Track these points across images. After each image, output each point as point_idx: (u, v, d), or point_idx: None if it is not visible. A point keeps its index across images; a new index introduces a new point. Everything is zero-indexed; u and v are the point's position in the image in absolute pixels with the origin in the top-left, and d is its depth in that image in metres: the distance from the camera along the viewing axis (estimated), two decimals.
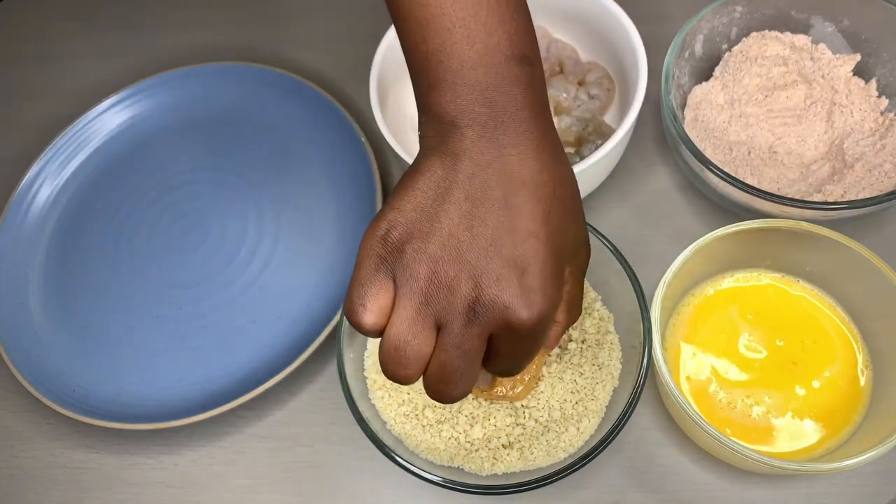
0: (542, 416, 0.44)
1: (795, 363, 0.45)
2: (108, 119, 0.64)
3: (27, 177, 0.61)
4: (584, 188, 0.53)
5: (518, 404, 0.45)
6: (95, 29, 0.73)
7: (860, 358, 0.46)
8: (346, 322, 0.44)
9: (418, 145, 0.35)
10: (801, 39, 0.57)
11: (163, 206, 0.60)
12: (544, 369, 0.45)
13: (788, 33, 0.57)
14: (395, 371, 0.32)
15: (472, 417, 0.44)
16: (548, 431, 0.44)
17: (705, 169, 0.49)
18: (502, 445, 0.44)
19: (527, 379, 0.44)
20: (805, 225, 0.45)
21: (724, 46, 0.58)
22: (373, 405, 0.45)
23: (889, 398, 0.43)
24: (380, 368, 0.41)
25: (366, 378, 0.47)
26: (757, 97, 0.55)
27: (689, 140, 0.50)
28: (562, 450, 0.44)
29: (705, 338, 0.47)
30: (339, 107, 0.60)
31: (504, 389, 0.44)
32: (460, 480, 0.41)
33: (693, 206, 0.56)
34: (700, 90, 0.56)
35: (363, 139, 0.58)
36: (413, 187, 0.33)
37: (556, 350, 0.46)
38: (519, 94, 0.33)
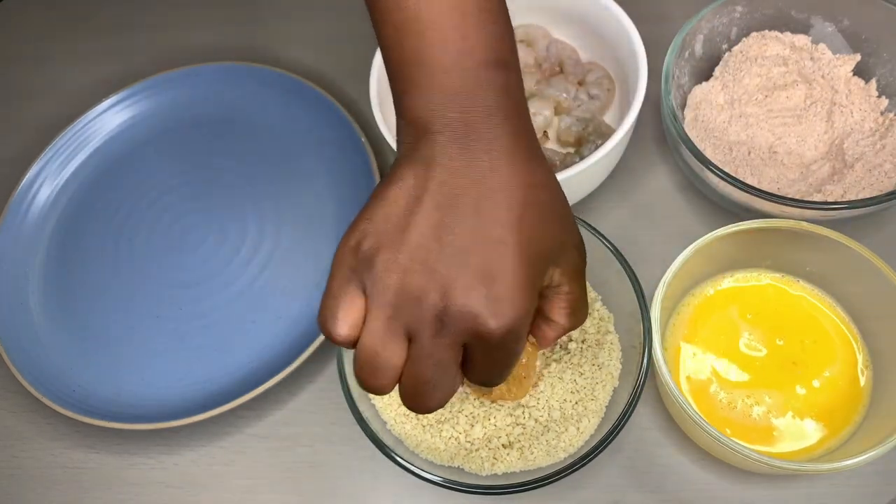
0: (542, 416, 0.44)
1: (795, 363, 0.45)
2: (108, 119, 0.64)
3: (27, 177, 0.61)
4: (584, 188, 0.53)
5: (517, 404, 0.45)
6: (95, 29, 0.73)
7: (860, 358, 0.46)
8: None
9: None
10: (801, 39, 0.57)
11: (163, 206, 0.60)
12: (545, 370, 0.45)
13: (788, 33, 0.57)
14: (368, 382, 0.32)
15: (473, 417, 0.44)
16: (548, 431, 0.44)
17: (705, 169, 0.49)
18: (502, 445, 0.44)
19: (523, 377, 0.44)
20: (805, 225, 0.45)
21: (724, 46, 0.58)
22: (373, 405, 0.45)
23: (889, 398, 0.43)
24: None
25: None
26: (757, 97, 0.55)
27: (689, 140, 0.50)
28: (562, 450, 0.44)
29: (705, 338, 0.47)
30: (339, 107, 0.60)
31: (502, 390, 0.44)
32: (460, 480, 0.41)
33: (693, 206, 0.56)
34: (700, 90, 0.56)
35: (363, 139, 0.58)
36: (385, 196, 0.33)
37: (557, 350, 0.46)
38: (492, 99, 0.33)
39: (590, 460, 0.40)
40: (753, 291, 0.48)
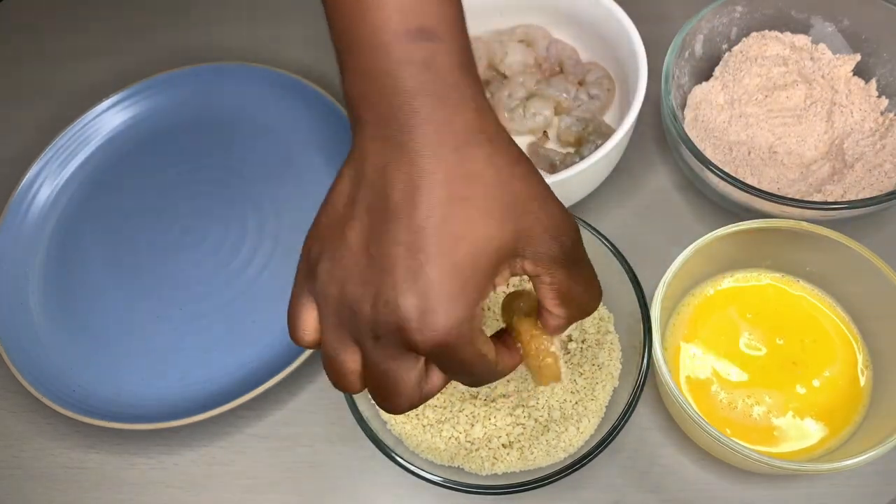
0: (541, 416, 0.44)
1: (795, 363, 0.45)
2: (108, 119, 0.64)
3: (27, 177, 0.61)
4: (584, 188, 0.53)
5: (517, 403, 0.45)
6: (95, 29, 0.73)
7: (860, 358, 0.46)
8: None
9: None
10: (801, 39, 0.57)
11: (163, 206, 0.60)
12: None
13: (788, 33, 0.57)
14: (335, 383, 0.33)
15: (473, 417, 0.44)
16: (547, 431, 0.44)
17: (705, 169, 0.49)
18: (502, 445, 0.44)
19: (541, 365, 0.42)
20: (805, 225, 0.45)
21: (724, 46, 0.58)
22: (373, 405, 0.45)
23: (889, 398, 0.43)
24: None
25: None
26: (757, 97, 0.55)
27: (689, 140, 0.50)
28: (562, 450, 0.44)
29: (705, 338, 0.47)
30: (339, 107, 0.60)
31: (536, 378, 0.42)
32: (460, 480, 0.41)
33: (693, 206, 0.56)
34: (700, 90, 0.56)
35: None
36: (328, 199, 0.32)
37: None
38: (410, 77, 0.29)
39: (590, 460, 0.40)
40: (753, 291, 0.48)
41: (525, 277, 0.39)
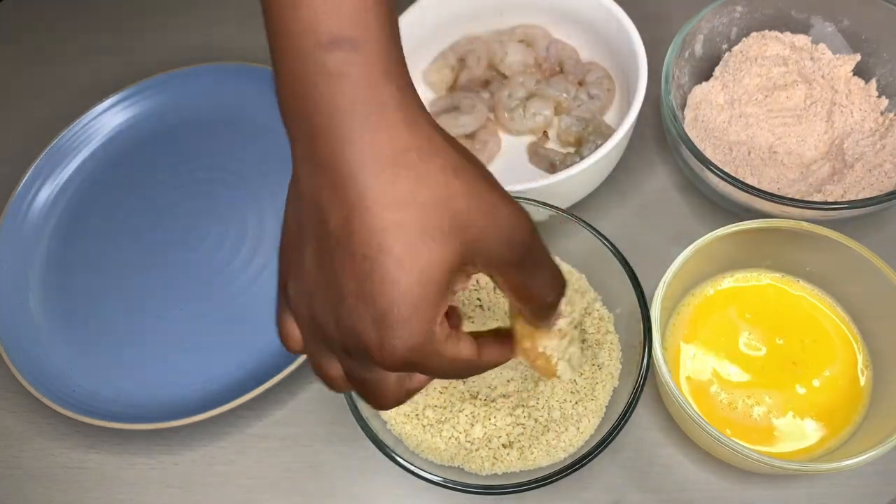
0: (541, 416, 0.44)
1: (795, 363, 0.45)
2: (108, 119, 0.64)
3: (27, 177, 0.61)
4: (584, 188, 0.53)
5: (517, 403, 0.45)
6: (95, 29, 0.73)
7: (860, 358, 0.46)
8: None
9: None
10: (801, 39, 0.57)
11: (163, 206, 0.60)
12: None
13: (788, 33, 0.57)
14: (324, 383, 0.33)
15: (473, 417, 0.44)
16: (547, 431, 0.44)
17: (705, 169, 0.49)
18: (502, 445, 0.44)
19: (535, 361, 0.42)
20: (805, 225, 0.45)
21: (724, 46, 0.58)
22: None
23: (889, 398, 0.43)
24: None
25: None
26: (757, 97, 0.55)
27: (689, 140, 0.50)
28: (561, 450, 0.44)
29: (705, 338, 0.47)
30: None
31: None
32: (460, 480, 0.41)
33: (693, 206, 0.56)
34: (700, 90, 0.56)
35: None
36: (285, 218, 0.32)
37: None
38: (326, 91, 0.28)
39: (590, 460, 0.40)
40: (753, 291, 0.48)
41: None
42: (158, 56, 0.69)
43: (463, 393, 0.45)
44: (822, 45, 0.57)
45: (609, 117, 0.59)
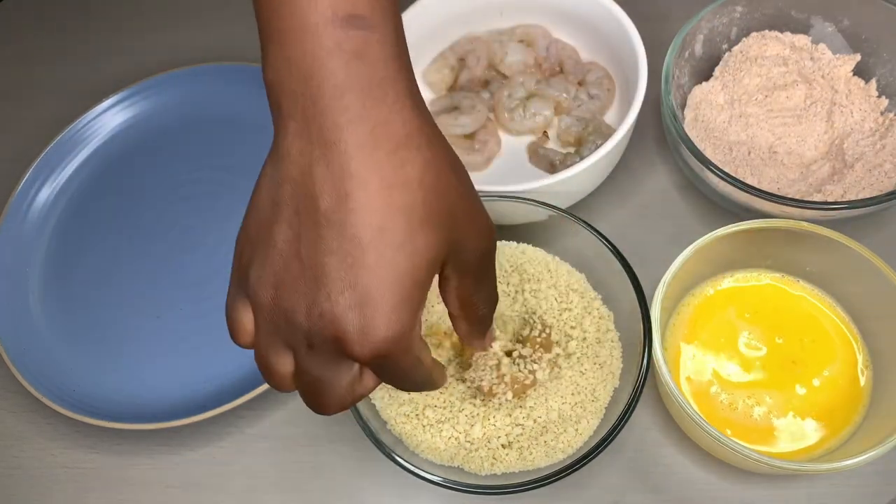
0: (541, 417, 0.44)
1: (795, 362, 0.45)
2: (108, 119, 0.64)
3: (27, 177, 0.61)
4: (584, 188, 0.53)
5: (516, 404, 0.45)
6: (95, 29, 0.73)
7: (860, 358, 0.46)
8: None
9: None
10: (801, 39, 0.57)
11: (163, 206, 0.60)
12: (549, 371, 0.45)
13: (788, 33, 0.57)
14: (269, 383, 0.32)
15: (472, 417, 0.44)
16: (546, 432, 0.44)
17: (705, 169, 0.49)
18: (501, 445, 0.44)
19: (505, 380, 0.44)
20: (805, 225, 0.45)
21: (724, 46, 0.58)
22: (373, 405, 0.45)
23: (889, 398, 0.43)
24: None
25: None
26: (757, 97, 0.55)
27: (689, 140, 0.50)
28: (560, 451, 0.44)
29: (705, 338, 0.47)
30: None
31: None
32: (460, 480, 0.41)
33: (693, 206, 0.56)
34: (700, 90, 0.56)
35: None
36: (255, 199, 0.30)
37: (558, 351, 0.46)
38: (339, 68, 0.27)
39: (589, 461, 0.40)
40: (753, 291, 0.48)
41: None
42: (158, 56, 0.69)
43: (463, 393, 0.45)
44: (822, 45, 0.57)
45: (609, 117, 0.59)
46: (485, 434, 0.44)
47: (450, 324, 0.47)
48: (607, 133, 0.55)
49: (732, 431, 0.44)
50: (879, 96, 0.55)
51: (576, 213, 0.48)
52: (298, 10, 0.27)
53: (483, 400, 0.45)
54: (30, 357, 0.53)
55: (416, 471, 0.41)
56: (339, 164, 0.27)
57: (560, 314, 0.47)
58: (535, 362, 0.45)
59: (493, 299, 0.34)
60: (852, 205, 0.47)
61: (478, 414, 0.44)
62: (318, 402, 0.31)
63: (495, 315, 0.46)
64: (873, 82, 0.55)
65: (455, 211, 0.29)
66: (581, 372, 0.45)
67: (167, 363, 0.53)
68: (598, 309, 0.48)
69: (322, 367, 0.29)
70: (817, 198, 0.51)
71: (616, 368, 0.46)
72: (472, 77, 0.60)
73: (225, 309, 0.32)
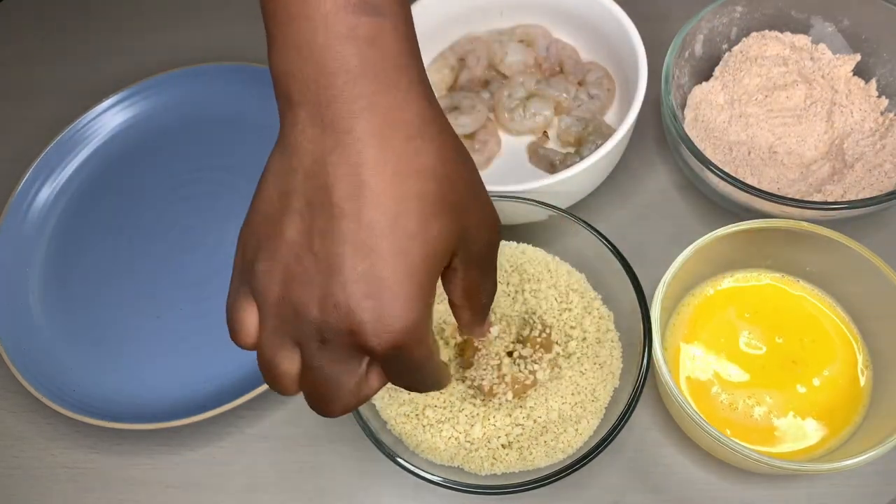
0: (541, 417, 0.44)
1: (795, 361, 0.45)
2: (108, 119, 0.64)
3: (27, 177, 0.61)
4: (584, 188, 0.53)
5: (516, 404, 0.45)
6: (95, 29, 0.73)
7: (860, 358, 0.46)
8: None
9: None
10: (801, 39, 0.57)
11: (163, 206, 0.60)
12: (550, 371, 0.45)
13: (788, 33, 0.57)
14: (271, 386, 0.31)
15: (472, 417, 0.44)
16: (546, 432, 0.44)
17: (705, 169, 0.49)
18: (501, 445, 0.44)
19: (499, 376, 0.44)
20: (805, 225, 0.45)
21: (724, 46, 0.58)
22: (373, 405, 0.45)
23: (889, 398, 0.43)
24: None
25: None
26: (757, 97, 0.55)
27: (689, 140, 0.50)
28: (560, 451, 0.44)
29: (706, 338, 0.47)
30: None
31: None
32: (460, 480, 0.41)
33: (693, 206, 0.56)
34: (700, 90, 0.56)
35: None
36: (259, 193, 0.30)
37: (559, 351, 0.46)
38: (353, 54, 0.27)
39: (589, 461, 0.40)
40: (753, 291, 0.48)
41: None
42: (158, 56, 0.69)
43: (463, 393, 0.45)
44: (822, 45, 0.57)
45: (609, 117, 0.59)
46: (485, 434, 0.44)
47: (451, 323, 0.47)
48: (607, 133, 0.55)
49: (732, 431, 0.44)
50: (879, 96, 0.55)
51: (576, 213, 0.48)
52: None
53: (483, 400, 0.45)
54: (30, 357, 0.53)
55: (416, 471, 0.41)
56: (355, 152, 0.27)
57: (560, 314, 0.47)
58: (536, 362, 0.45)
59: (494, 290, 0.35)
60: (852, 205, 0.47)
61: (478, 414, 0.44)
62: (325, 401, 0.30)
63: (499, 315, 0.47)
64: (873, 82, 0.55)
65: (465, 201, 0.29)
66: (581, 372, 0.45)
67: (167, 363, 0.53)
68: (598, 309, 0.48)
69: (332, 363, 0.29)
70: (817, 198, 0.51)
71: (616, 368, 0.46)
72: (472, 77, 0.60)
73: (226, 308, 0.31)
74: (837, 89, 0.55)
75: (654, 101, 0.58)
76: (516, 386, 0.44)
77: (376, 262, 0.27)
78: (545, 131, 0.58)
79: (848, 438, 0.43)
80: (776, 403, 0.44)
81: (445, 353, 0.47)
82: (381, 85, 0.27)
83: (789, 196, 0.48)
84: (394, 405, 0.45)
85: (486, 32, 0.62)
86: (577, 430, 0.44)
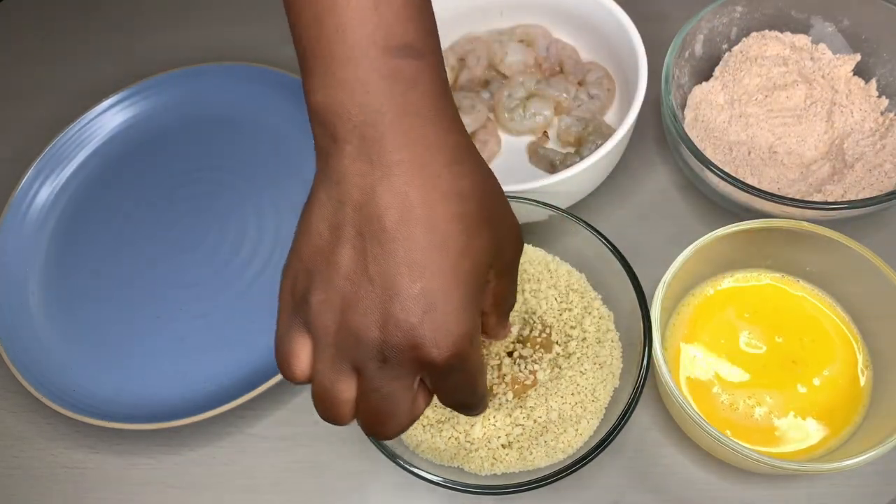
0: (541, 417, 0.44)
1: (795, 361, 0.45)
2: (108, 119, 0.64)
3: (27, 177, 0.61)
4: (584, 188, 0.53)
5: (516, 404, 0.45)
6: (95, 29, 0.73)
7: (860, 358, 0.46)
8: None
9: None
10: (801, 39, 0.57)
11: (163, 206, 0.60)
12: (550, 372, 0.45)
13: (788, 33, 0.57)
14: (326, 416, 0.33)
15: (473, 417, 0.44)
16: (546, 432, 0.44)
17: (705, 169, 0.49)
18: (501, 446, 0.44)
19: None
20: (805, 225, 0.45)
21: (724, 46, 0.58)
22: None
23: (889, 398, 0.43)
24: None
25: None
26: (757, 97, 0.55)
27: (689, 140, 0.50)
28: (560, 451, 0.44)
29: (706, 338, 0.47)
30: None
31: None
32: (460, 480, 0.41)
33: (693, 206, 0.56)
34: (700, 90, 0.56)
35: None
36: (308, 227, 0.31)
37: (559, 351, 0.46)
38: (399, 94, 0.29)
39: (589, 461, 0.40)
40: (753, 291, 0.48)
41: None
42: (158, 56, 0.69)
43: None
44: (822, 45, 0.57)
45: (609, 117, 0.59)
46: (485, 434, 0.44)
47: None
48: (607, 133, 0.55)
49: (732, 431, 0.44)
50: (879, 96, 0.55)
51: (576, 213, 0.48)
52: (351, 37, 0.29)
53: None
54: (30, 357, 0.53)
55: (416, 471, 0.41)
56: (402, 182, 0.29)
57: (560, 314, 0.47)
58: (536, 362, 0.45)
59: (516, 294, 0.37)
60: (852, 205, 0.47)
61: None
62: (381, 423, 0.32)
63: None
64: (873, 82, 0.55)
65: (496, 217, 0.32)
66: (581, 372, 0.45)
67: (167, 363, 0.53)
68: (598, 309, 0.48)
69: (392, 381, 0.30)
70: (817, 198, 0.51)
71: (616, 368, 0.46)
72: (472, 77, 0.60)
73: (275, 345, 0.33)
74: (837, 89, 0.55)
75: (654, 101, 0.58)
76: (516, 386, 0.44)
77: (431, 279, 0.29)
78: (545, 131, 0.58)
79: (848, 438, 0.43)
80: (776, 403, 0.44)
81: None
82: (424, 120, 0.30)
83: (789, 196, 0.48)
84: None
85: (486, 32, 0.62)
86: (577, 430, 0.44)
